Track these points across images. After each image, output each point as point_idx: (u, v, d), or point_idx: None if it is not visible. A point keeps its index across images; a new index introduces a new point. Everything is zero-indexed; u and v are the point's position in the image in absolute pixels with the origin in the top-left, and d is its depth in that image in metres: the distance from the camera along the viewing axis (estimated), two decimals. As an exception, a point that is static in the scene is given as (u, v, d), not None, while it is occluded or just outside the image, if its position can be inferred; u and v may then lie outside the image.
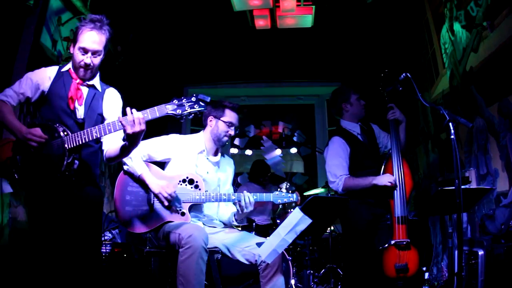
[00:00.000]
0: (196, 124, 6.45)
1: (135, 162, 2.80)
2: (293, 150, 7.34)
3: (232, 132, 2.99)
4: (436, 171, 4.54)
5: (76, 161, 2.30)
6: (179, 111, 2.24)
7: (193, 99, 2.26)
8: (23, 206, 3.44)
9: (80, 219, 2.37)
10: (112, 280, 3.72)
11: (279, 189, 2.86)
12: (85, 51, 2.36)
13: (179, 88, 6.21)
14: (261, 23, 5.15)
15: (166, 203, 2.74)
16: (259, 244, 2.67)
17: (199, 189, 2.83)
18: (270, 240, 2.56)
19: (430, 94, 4.63)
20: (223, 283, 3.01)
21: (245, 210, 2.79)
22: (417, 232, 3.05)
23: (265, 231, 4.48)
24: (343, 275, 4.08)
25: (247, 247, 2.77)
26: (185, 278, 2.54)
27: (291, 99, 7.27)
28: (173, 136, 3.02)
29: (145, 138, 2.96)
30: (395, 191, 3.08)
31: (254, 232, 4.32)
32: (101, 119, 2.49)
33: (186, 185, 2.85)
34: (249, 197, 2.76)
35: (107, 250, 3.91)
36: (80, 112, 2.42)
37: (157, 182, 2.76)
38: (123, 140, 2.30)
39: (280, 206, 2.93)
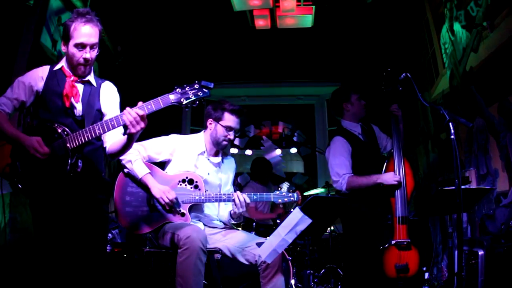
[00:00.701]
0: (196, 124, 6.44)
1: (135, 165, 2.79)
2: (293, 150, 7.34)
3: (231, 136, 2.95)
4: (436, 171, 4.54)
5: (80, 161, 2.25)
6: (183, 100, 2.18)
7: (196, 86, 2.19)
8: (22, 206, 3.43)
9: (88, 221, 2.32)
10: (112, 280, 3.72)
11: (279, 189, 2.85)
12: (83, 46, 2.27)
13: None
14: (261, 23, 5.15)
15: (167, 208, 2.75)
16: (259, 244, 2.67)
17: (199, 189, 2.83)
18: (270, 240, 2.56)
19: (430, 94, 4.63)
20: (223, 284, 3.01)
21: (240, 210, 2.79)
22: (418, 232, 3.05)
23: (265, 231, 4.48)
24: (343, 275, 4.08)
25: (247, 248, 2.77)
26: (184, 279, 2.54)
27: (291, 99, 7.26)
28: (173, 137, 3.01)
29: (145, 138, 2.98)
30: (397, 190, 3.08)
31: (254, 232, 4.32)
32: (100, 115, 2.43)
33: (186, 185, 2.84)
34: (244, 198, 2.77)
35: (107, 250, 3.90)
36: (78, 109, 2.36)
37: (159, 186, 2.76)
38: (124, 134, 2.28)
39: (281, 205, 2.91)
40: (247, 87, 6.83)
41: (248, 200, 2.77)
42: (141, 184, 2.80)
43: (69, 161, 2.20)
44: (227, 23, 5.56)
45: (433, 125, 4.62)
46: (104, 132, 2.23)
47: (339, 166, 3.24)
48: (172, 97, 2.19)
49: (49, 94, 2.33)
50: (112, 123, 2.20)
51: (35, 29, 3.61)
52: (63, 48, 2.35)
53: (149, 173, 2.80)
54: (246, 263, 2.77)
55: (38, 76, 2.36)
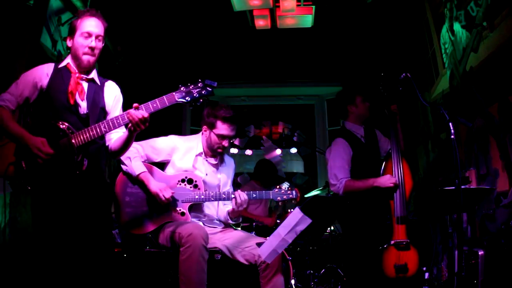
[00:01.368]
0: (196, 124, 6.44)
1: (133, 162, 2.79)
2: (293, 150, 7.34)
3: (225, 143, 2.93)
4: (436, 171, 4.54)
5: (85, 159, 2.25)
6: (188, 98, 2.21)
7: (200, 84, 2.22)
8: (22, 206, 3.43)
9: (92, 219, 2.31)
10: (112, 280, 3.72)
11: (278, 187, 2.86)
12: (89, 34, 2.31)
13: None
14: (261, 23, 5.14)
15: (163, 205, 2.75)
16: (259, 244, 2.67)
17: (199, 189, 2.84)
18: (270, 240, 2.57)
19: (430, 94, 4.63)
20: (223, 284, 3.01)
21: (240, 208, 2.80)
22: (417, 232, 3.05)
23: (265, 231, 4.48)
24: (343, 275, 4.08)
25: (247, 248, 2.77)
26: (187, 277, 2.54)
27: (291, 99, 7.27)
28: (172, 137, 3.01)
29: (145, 138, 2.99)
30: (395, 191, 3.08)
31: (254, 232, 4.32)
32: (103, 113, 2.43)
33: (185, 184, 2.85)
34: (244, 196, 2.77)
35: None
36: (83, 107, 2.35)
37: (155, 183, 2.77)
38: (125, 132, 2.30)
39: (280, 203, 2.91)
40: (247, 87, 6.83)
41: (246, 197, 2.78)
42: (139, 182, 2.80)
43: (75, 159, 2.21)
44: (227, 23, 5.56)
45: (433, 125, 4.62)
46: (110, 130, 2.24)
47: (338, 169, 3.24)
48: (177, 95, 2.22)
49: (53, 91, 2.32)
50: (118, 121, 2.22)
51: (35, 29, 3.62)
52: (68, 43, 2.38)
53: (146, 171, 2.80)
54: (246, 263, 2.77)
55: (43, 72, 2.36)
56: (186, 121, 6.49)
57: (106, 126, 2.22)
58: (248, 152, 7.35)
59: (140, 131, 2.25)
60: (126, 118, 2.20)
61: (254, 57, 6.22)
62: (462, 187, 2.41)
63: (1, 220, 3.24)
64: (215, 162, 3.03)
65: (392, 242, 3.00)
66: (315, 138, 7.07)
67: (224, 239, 2.86)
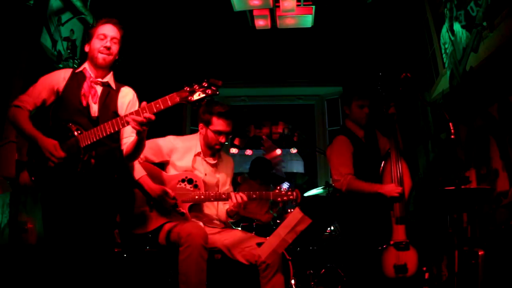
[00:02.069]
0: (196, 124, 6.43)
1: (132, 165, 2.81)
2: (293, 150, 7.34)
3: (223, 139, 2.94)
4: (436, 171, 4.53)
5: (92, 160, 2.29)
6: (191, 98, 2.20)
7: (205, 84, 2.21)
8: (23, 206, 3.43)
9: (95, 218, 2.35)
10: (112, 280, 3.72)
11: (278, 188, 2.85)
12: (104, 36, 2.43)
13: (180, 89, 6.18)
14: (261, 23, 5.14)
15: (167, 207, 2.76)
16: (259, 244, 2.67)
17: (198, 189, 2.84)
18: (270, 240, 2.57)
19: (430, 94, 4.63)
20: (223, 284, 3.01)
21: (237, 208, 2.82)
22: (417, 232, 3.05)
23: (265, 231, 4.48)
24: (343, 275, 4.08)
25: (247, 248, 2.77)
26: (186, 277, 2.54)
27: (291, 99, 7.27)
28: (170, 138, 3.02)
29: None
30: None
31: (254, 232, 4.32)
32: (115, 117, 2.43)
33: (185, 184, 2.85)
34: (243, 198, 2.78)
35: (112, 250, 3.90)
36: (94, 110, 2.41)
37: (155, 190, 2.75)
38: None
39: (280, 204, 2.91)
40: (247, 87, 6.83)
41: (245, 198, 2.78)
42: (139, 186, 2.81)
43: (82, 159, 2.25)
44: (227, 23, 5.56)
45: (433, 125, 4.62)
46: (115, 130, 2.27)
47: (342, 165, 3.23)
48: (180, 95, 2.22)
49: (68, 94, 2.40)
50: (122, 121, 2.26)
51: (35, 29, 3.62)
52: (86, 48, 2.49)
53: (145, 174, 2.81)
54: (246, 263, 2.77)
55: (61, 76, 2.45)
56: (186, 121, 6.49)
57: (111, 126, 2.26)
58: (248, 152, 7.36)
59: (146, 131, 2.30)
60: (130, 118, 2.23)
61: (254, 57, 6.22)
62: (462, 187, 2.41)
63: (1, 220, 3.24)
64: (214, 162, 3.03)
65: (392, 242, 3.00)
66: (315, 138, 7.07)
67: (224, 239, 2.86)
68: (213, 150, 2.99)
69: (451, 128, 2.47)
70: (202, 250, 2.57)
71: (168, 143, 2.99)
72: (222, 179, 3.07)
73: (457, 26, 3.93)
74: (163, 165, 3.02)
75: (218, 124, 2.91)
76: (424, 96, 4.67)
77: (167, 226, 2.77)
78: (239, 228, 3.88)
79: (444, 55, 4.28)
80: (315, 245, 4.64)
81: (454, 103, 4.03)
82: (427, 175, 4.82)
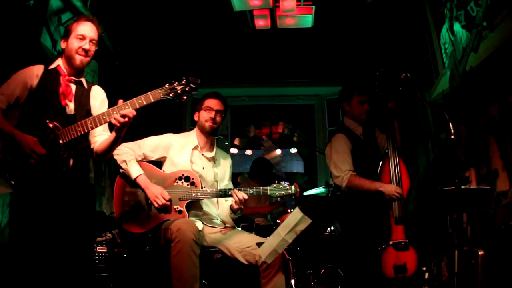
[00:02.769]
0: (195, 125, 6.44)
1: (130, 165, 2.83)
2: (293, 150, 7.34)
3: (213, 115, 3.01)
4: (436, 171, 4.53)
5: (71, 157, 2.28)
6: (172, 95, 2.29)
7: (184, 81, 2.32)
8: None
9: (75, 217, 2.33)
10: (112, 280, 3.72)
11: (276, 182, 2.86)
12: (83, 37, 2.38)
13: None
14: (261, 23, 5.14)
15: (161, 210, 2.78)
16: (259, 245, 2.67)
17: (195, 186, 2.85)
18: (270, 240, 2.57)
19: (430, 94, 4.63)
20: (223, 283, 3.01)
21: (240, 206, 2.84)
22: (417, 232, 3.05)
23: (265, 231, 4.48)
24: (343, 275, 4.08)
25: (247, 248, 2.77)
26: (178, 272, 2.54)
27: (291, 99, 7.27)
28: (167, 135, 3.06)
29: (144, 137, 3.00)
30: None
31: (254, 232, 4.32)
32: (89, 116, 2.45)
33: (182, 182, 2.87)
34: (242, 194, 2.79)
35: (107, 250, 3.90)
36: (70, 108, 2.40)
37: (153, 189, 2.78)
38: (111, 131, 2.35)
39: (279, 199, 2.90)
40: (247, 87, 6.83)
41: (246, 196, 2.79)
42: (136, 185, 2.83)
43: (62, 156, 2.24)
44: (227, 23, 5.56)
45: (433, 125, 4.62)
46: (96, 126, 2.29)
47: (341, 162, 3.23)
48: (161, 92, 2.30)
49: (42, 92, 2.35)
50: (104, 117, 2.27)
51: (35, 29, 3.61)
52: (62, 45, 2.43)
53: (143, 174, 2.83)
54: (246, 263, 2.77)
55: (33, 73, 2.39)
56: (186, 122, 6.50)
57: (93, 122, 2.27)
58: (248, 152, 7.36)
59: (125, 129, 2.30)
60: (112, 113, 2.25)
61: (254, 57, 6.22)
62: (462, 187, 2.41)
63: (1, 220, 3.24)
64: (211, 155, 3.06)
65: (391, 242, 3.00)
66: (315, 138, 7.08)
67: (224, 238, 2.87)
68: (206, 130, 3.02)
69: (451, 128, 2.47)
70: (193, 244, 2.56)
71: (165, 139, 3.03)
72: (220, 173, 3.09)
73: (457, 26, 3.93)
74: (160, 164, 3.04)
75: (209, 102, 3.05)
76: (424, 96, 4.67)
77: (164, 225, 2.78)
78: (239, 228, 3.88)
79: (444, 55, 4.28)
80: (315, 245, 4.65)
81: (454, 103, 4.03)
82: (427, 175, 4.82)
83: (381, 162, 3.17)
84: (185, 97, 2.31)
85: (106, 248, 3.89)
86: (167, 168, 2.97)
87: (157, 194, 2.76)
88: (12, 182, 2.25)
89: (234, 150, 7.36)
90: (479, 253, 2.85)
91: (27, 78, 2.36)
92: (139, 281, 3.74)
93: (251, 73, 6.38)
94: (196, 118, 3.10)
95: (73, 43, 2.38)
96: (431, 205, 2.94)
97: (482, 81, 3.55)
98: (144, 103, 2.27)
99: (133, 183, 2.84)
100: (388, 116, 3.25)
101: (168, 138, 3.03)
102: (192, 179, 2.87)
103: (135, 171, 2.82)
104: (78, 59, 2.39)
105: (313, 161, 7.18)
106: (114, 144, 2.41)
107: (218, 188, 2.92)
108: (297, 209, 2.56)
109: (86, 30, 2.40)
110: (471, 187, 3.50)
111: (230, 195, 2.82)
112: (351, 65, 6.06)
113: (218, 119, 3.03)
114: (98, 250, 3.87)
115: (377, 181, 3.13)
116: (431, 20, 4.57)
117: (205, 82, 7.08)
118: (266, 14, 4.97)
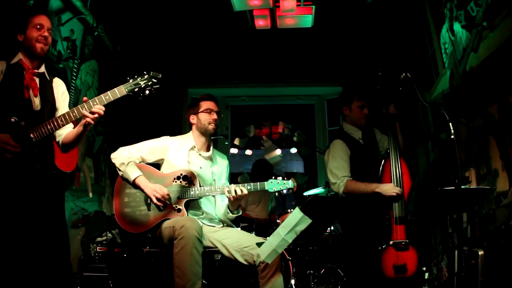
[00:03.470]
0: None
1: (128, 168, 2.86)
2: (293, 150, 7.34)
3: (215, 116, 3.05)
4: (436, 171, 4.53)
5: (41, 154, 2.31)
6: (136, 89, 2.34)
7: (146, 76, 2.37)
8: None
9: (47, 213, 2.34)
10: (112, 280, 3.72)
11: (273, 177, 2.86)
12: (41, 26, 2.42)
13: (180, 89, 6.21)
14: (261, 23, 5.14)
15: (160, 204, 2.80)
16: (259, 244, 2.67)
17: (194, 185, 2.87)
18: (270, 240, 2.57)
19: (430, 94, 4.63)
20: (222, 283, 3.01)
21: (237, 201, 2.85)
22: (417, 232, 3.05)
23: (265, 231, 4.48)
24: (343, 275, 4.08)
25: (245, 248, 2.77)
26: (181, 269, 2.54)
27: (291, 99, 7.27)
28: (165, 138, 3.09)
29: (142, 141, 3.02)
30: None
31: (254, 232, 4.32)
32: (54, 109, 2.50)
33: (180, 181, 2.90)
34: (241, 190, 2.80)
35: (107, 250, 3.91)
36: (37, 103, 2.40)
37: (151, 186, 2.82)
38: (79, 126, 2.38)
39: (276, 194, 2.90)
40: (247, 87, 6.84)
41: (245, 191, 2.80)
42: (135, 186, 2.86)
43: (36, 154, 2.27)
44: (227, 23, 5.56)
45: (433, 125, 4.62)
46: (68, 123, 2.32)
47: (337, 168, 3.24)
48: (125, 87, 2.34)
49: (7, 87, 2.35)
50: (74, 114, 2.30)
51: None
52: (19, 38, 2.45)
53: (141, 175, 2.85)
54: (245, 263, 2.77)
55: None
56: (184, 125, 6.49)
57: (63, 119, 2.30)
58: (248, 152, 7.36)
59: (126, 132, 2.32)
60: (82, 110, 2.28)
61: (254, 57, 6.22)
62: (462, 187, 2.41)
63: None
64: (208, 155, 3.08)
65: (391, 242, 3.00)
66: (315, 138, 7.08)
67: (222, 238, 2.87)
68: (208, 132, 3.06)
69: (451, 128, 2.47)
70: (196, 242, 2.57)
71: (163, 142, 3.05)
72: (217, 172, 3.11)
73: (457, 26, 3.93)
74: (158, 166, 3.06)
75: (207, 104, 3.07)
76: (424, 96, 4.67)
77: (164, 224, 2.80)
78: (239, 228, 3.88)
79: (444, 55, 4.28)
80: (315, 245, 4.65)
81: (454, 103, 4.02)
82: (427, 175, 4.82)
83: (383, 161, 3.17)
84: (147, 92, 2.36)
85: (106, 248, 3.89)
86: (165, 170, 3.00)
87: (156, 188, 2.80)
88: None
89: (234, 150, 7.36)
90: (479, 253, 2.85)
91: None
92: (139, 281, 3.74)
93: (251, 73, 6.38)
94: (193, 121, 3.10)
95: (32, 33, 2.41)
96: (431, 205, 2.94)
97: (482, 81, 3.55)
98: (112, 98, 2.32)
99: (132, 185, 2.87)
100: (391, 120, 3.25)
101: (165, 141, 3.06)
102: (190, 178, 2.90)
103: (133, 173, 2.84)
104: (39, 46, 2.41)
105: (313, 161, 7.18)
106: (80, 137, 2.45)
107: (216, 186, 2.93)
108: (297, 209, 2.56)
109: (43, 19, 2.45)
110: (471, 187, 3.50)
111: (228, 191, 2.82)
112: (351, 65, 6.06)
113: (217, 120, 3.07)
114: (98, 250, 3.87)
115: (374, 182, 3.13)
116: (431, 20, 4.57)
117: (205, 82, 7.12)
118: (266, 14, 4.97)
